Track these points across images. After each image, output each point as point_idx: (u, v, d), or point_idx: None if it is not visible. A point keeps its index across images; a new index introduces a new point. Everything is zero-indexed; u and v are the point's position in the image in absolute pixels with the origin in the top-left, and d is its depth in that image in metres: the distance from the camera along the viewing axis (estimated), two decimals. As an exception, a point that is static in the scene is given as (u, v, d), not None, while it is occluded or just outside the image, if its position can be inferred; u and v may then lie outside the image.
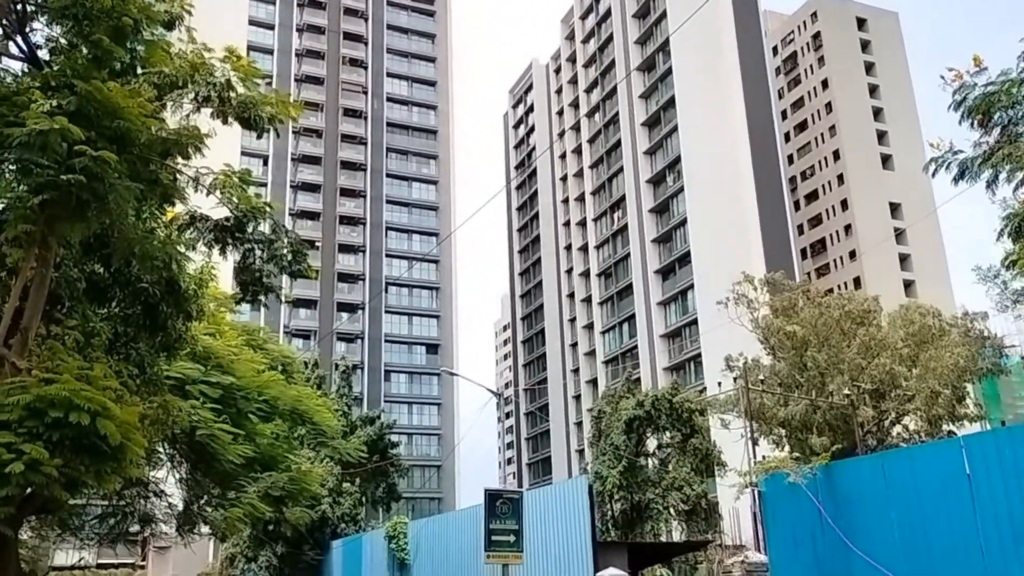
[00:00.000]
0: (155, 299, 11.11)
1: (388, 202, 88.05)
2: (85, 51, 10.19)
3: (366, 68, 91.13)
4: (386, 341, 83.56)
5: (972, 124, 10.32)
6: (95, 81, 9.38)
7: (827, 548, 13.48)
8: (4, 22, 10.13)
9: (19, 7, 10.60)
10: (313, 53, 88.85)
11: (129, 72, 10.96)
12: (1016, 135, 10.66)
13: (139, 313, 11.40)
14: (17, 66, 11.33)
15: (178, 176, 10.58)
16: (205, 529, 19.02)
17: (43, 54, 11.13)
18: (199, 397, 14.54)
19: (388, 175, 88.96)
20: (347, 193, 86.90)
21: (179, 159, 10.47)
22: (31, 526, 18.42)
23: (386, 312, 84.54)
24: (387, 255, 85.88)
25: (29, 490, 9.22)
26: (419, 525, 27.15)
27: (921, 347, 35.08)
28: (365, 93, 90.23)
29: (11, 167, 9.76)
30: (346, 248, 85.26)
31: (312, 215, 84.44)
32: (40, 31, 11.28)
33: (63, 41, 10.78)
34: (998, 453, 11.05)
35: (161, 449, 15.59)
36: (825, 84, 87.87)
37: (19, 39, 10.97)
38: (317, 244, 79.91)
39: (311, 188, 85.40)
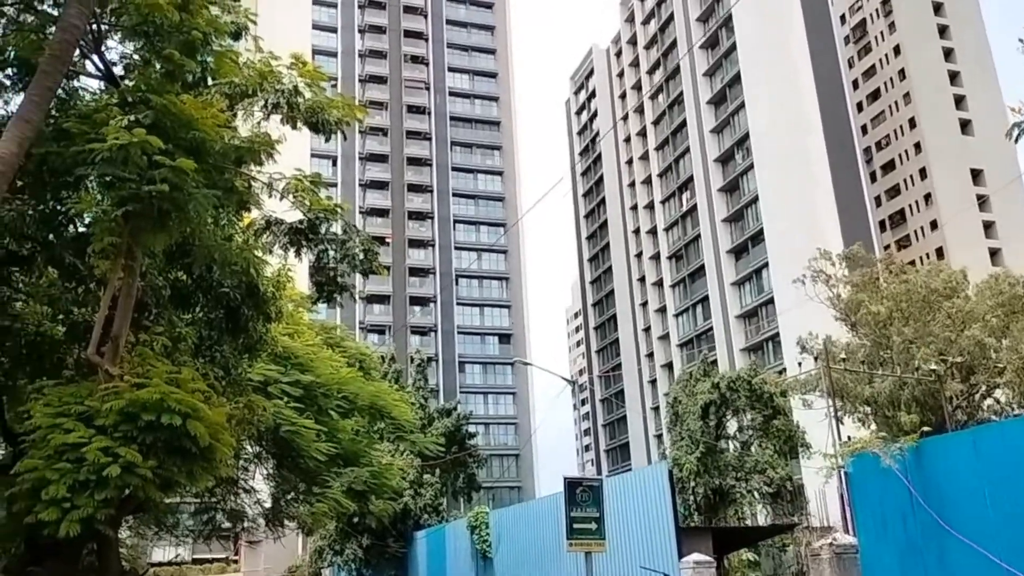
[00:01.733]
0: (236, 303, 11.44)
1: (455, 195, 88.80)
2: (158, 66, 10.53)
3: (427, 64, 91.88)
4: (459, 333, 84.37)
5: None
6: (169, 95, 9.68)
7: (918, 529, 13.10)
8: (81, 42, 10.52)
9: (95, 27, 10.99)
10: (376, 53, 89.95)
11: (200, 84, 11.28)
12: (1108, 92, 10.10)
13: (221, 317, 11.75)
14: (95, 84, 11.78)
15: (252, 182, 10.86)
16: (292, 524, 19.56)
17: (118, 71, 11.54)
18: (281, 396, 14.92)
19: (453, 168, 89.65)
20: (414, 188, 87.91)
21: (252, 166, 10.74)
22: (129, 525, 19.20)
23: (457, 304, 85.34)
24: (456, 248, 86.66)
25: (126, 491, 9.60)
26: (500, 515, 27.35)
27: (1011, 317, 33.70)
28: (428, 89, 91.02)
29: (94, 182, 10.14)
30: (416, 243, 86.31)
31: (381, 212, 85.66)
32: (114, 49, 11.70)
33: (136, 57, 11.15)
34: (1100, 426, 10.56)
35: (248, 447, 16.06)
36: (897, 50, 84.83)
37: (95, 58, 11.39)
38: (387, 240, 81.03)
39: (379, 185, 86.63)
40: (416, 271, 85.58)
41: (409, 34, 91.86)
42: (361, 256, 12.44)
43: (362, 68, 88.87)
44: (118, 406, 9.18)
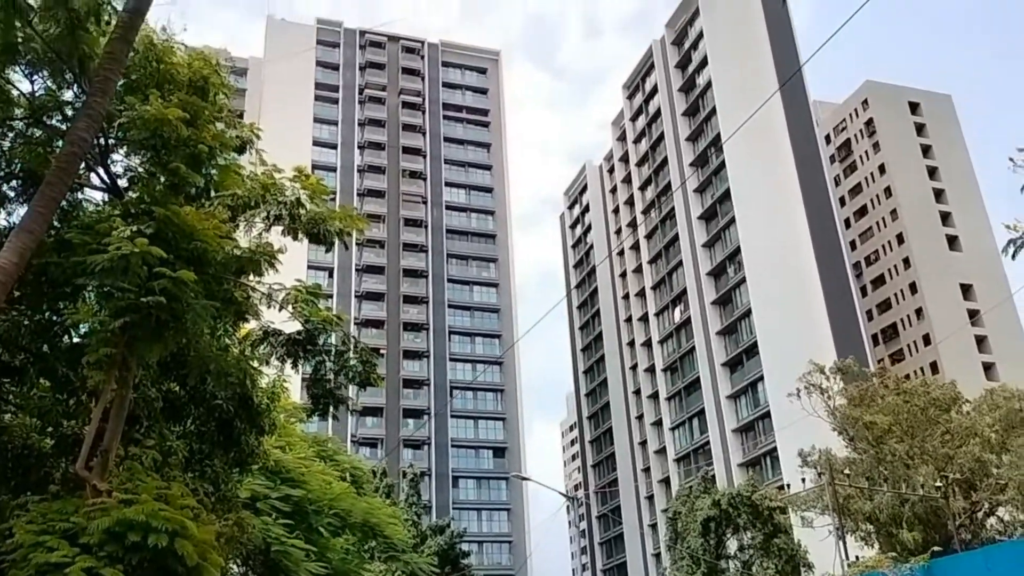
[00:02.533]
0: (229, 415, 11.23)
1: (450, 307, 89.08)
2: (163, 179, 10.67)
3: (425, 179, 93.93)
4: (452, 446, 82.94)
5: (1050, 201, 10.02)
6: (172, 206, 9.77)
7: (935, 657, 12.54)
8: (87, 155, 10.69)
9: (102, 141, 11.20)
10: (374, 168, 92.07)
11: (203, 195, 11.41)
12: (1097, 209, 10.28)
13: (213, 430, 11.51)
14: (99, 196, 11.90)
15: (251, 293, 10.84)
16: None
17: (122, 183, 11.69)
18: (271, 512, 14.46)
19: (449, 280, 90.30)
20: (410, 300, 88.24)
21: (252, 276, 10.74)
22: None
23: (452, 416, 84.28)
24: (451, 359, 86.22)
25: (108, 614, 9.13)
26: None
27: (1010, 432, 33.41)
28: (425, 203, 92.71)
29: (92, 293, 10.11)
30: (410, 354, 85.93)
31: (377, 323, 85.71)
32: (120, 162, 11.88)
33: (141, 170, 11.32)
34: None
35: (235, 568, 15.46)
36: (882, 169, 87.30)
37: (100, 170, 11.56)
38: (382, 352, 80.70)
39: (375, 297, 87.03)
40: (410, 383, 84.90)
41: (407, 151, 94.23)
42: (359, 368, 12.30)
43: (361, 183, 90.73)
44: (104, 524, 8.84)
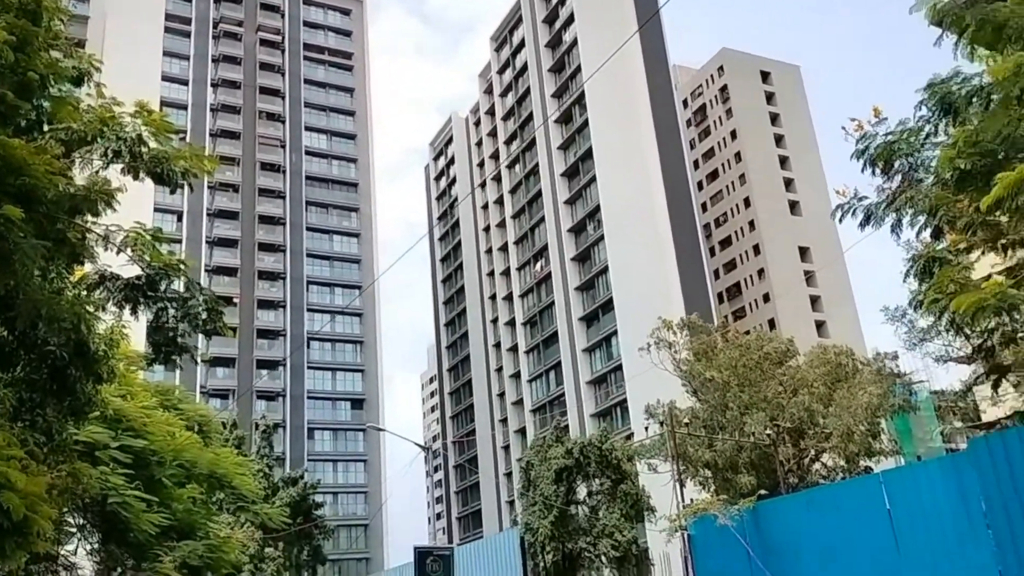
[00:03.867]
0: (63, 362, 10.60)
1: (309, 256, 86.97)
2: (-13, 107, 9.83)
3: (283, 122, 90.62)
4: (309, 398, 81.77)
5: (874, 171, 10.80)
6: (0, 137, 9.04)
7: (757, 589, 13.58)
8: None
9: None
10: (229, 108, 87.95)
11: (35, 128, 10.61)
12: (917, 180, 11.18)
13: (46, 377, 10.84)
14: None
15: (87, 234, 10.22)
16: (118, 604, 18.04)
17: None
18: (109, 463, 13.87)
19: (308, 228, 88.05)
20: (266, 248, 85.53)
21: (88, 216, 10.12)
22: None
23: (308, 368, 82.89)
24: (309, 309, 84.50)
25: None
26: (346, 587, 26.35)
27: (836, 386, 36.13)
28: (283, 147, 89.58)
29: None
30: (266, 304, 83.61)
31: (230, 271, 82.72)
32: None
33: (-37, 98, 10.39)
34: (916, 487, 11.38)
35: (71, 520, 14.78)
36: (734, 135, 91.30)
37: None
38: (235, 300, 78.13)
39: (228, 243, 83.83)
40: (265, 333, 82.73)
41: (265, 91, 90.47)
42: (204, 316, 11.85)
43: (214, 123, 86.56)
44: (-83, 475, 8.27)
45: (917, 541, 11.22)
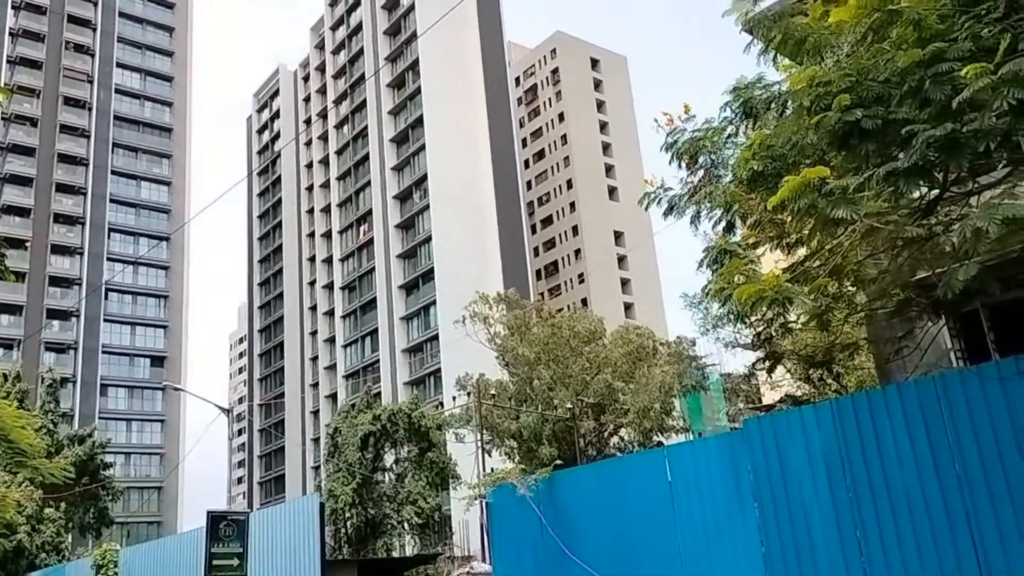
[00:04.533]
0: None
1: (112, 201, 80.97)
2: None
3: (93, 56, 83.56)
4: (104, 352, 76.56)
5: (679, 164, 11.43)
6: None
7: (547, 556, 14.19)
8: None
9: None
10: (31, 34, 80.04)
11: None
12: (716, 176, 11.92)
13: None
14: None
15: None
16: None
17: None
18: None
19: (114, 172, 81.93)
20: (64, 189, 78.85)
21: None
22: None
23: (105, 320, 77.51)
24: (109, 258, 78.76)
25: None
26: (133, 552, 25.12)
27: (636, 365, 38.18)
28: (91, 82, 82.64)
29: None
30: (60, 249, 77.20)
31: (21, 211, 75.75)
32: None
33: None
34: (694, 461, 12.24)
35: None
36: (562, 117, 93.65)
37: None
38: (26, 243, 71.74)
39: (22, 181, 76.62)
40: (58, 281, 76.50)
41: (74, 20, 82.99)
42: (-17, 257, 10.87)
43: (13, 49, 78.51)
44: None
45: (692, 512, 12.08)
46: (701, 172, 12.09)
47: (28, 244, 72.83)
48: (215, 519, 15.32)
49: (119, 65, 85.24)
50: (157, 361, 79.85)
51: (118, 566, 24.27)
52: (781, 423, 10.88)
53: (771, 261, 13.40)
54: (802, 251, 12.19)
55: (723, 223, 10.94)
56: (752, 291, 8.42)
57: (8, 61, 77.02)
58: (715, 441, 13.01)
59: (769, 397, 28.93)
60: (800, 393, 23.66)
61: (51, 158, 78.26)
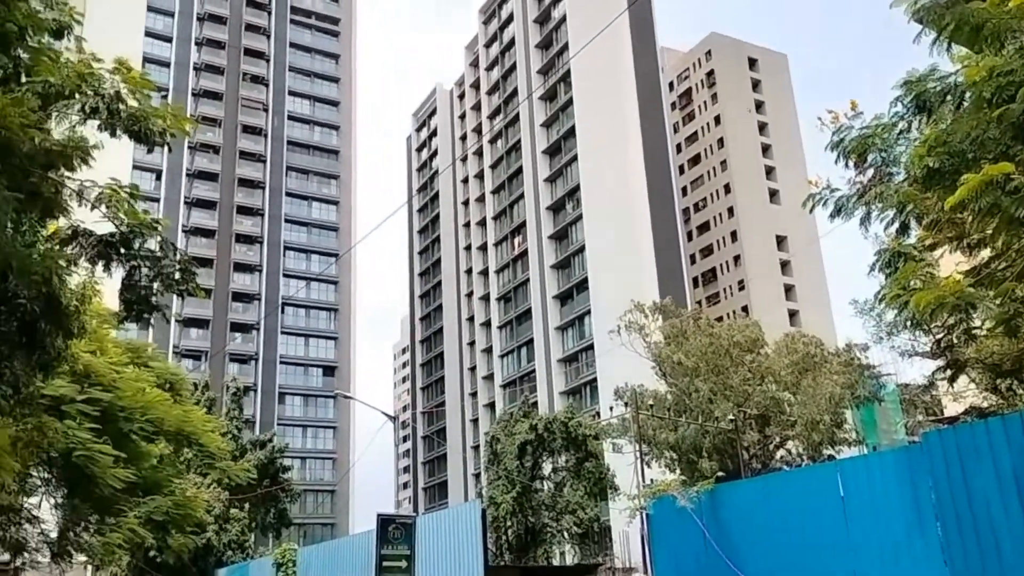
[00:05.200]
0: (33, 316, 10.59)
1: (287, 221, 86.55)
2: (-37, 57, 9.74)
3: (267, 85, 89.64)
4: (281, 363, 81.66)
5: (847, 163, 10.96)
6: (-27, 87, 8.97)
7: (711, 570, 13.88)
8: None
9: None
10: (212, 68, 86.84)
11: (12, 80, 10.51)
12: (887, 175, 11.34)
13: (15, 330, 10.83)
14: None
15: (61, 189, 10.17)
16: (81, 557, 18.13)
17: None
18: (76, 417, 13.88)
19: (287, 194, 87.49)
20: (244, 211, 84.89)
21: (64, 171, 10.07)
22: None
23: (282, 333, 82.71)
24: (284, 275, 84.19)
25: None
26: (309, 552, 26.53)
27: (803, 374, 36.66)
28: (266, 110, 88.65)
29: None
30: (242, 267, 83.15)
31: (207, 232, 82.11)
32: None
33: (-60, 46, 10.27)
34: (868, 477, 11.64)
35: (36, 473, 14.79)
36: (718, 120, 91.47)
37: None
38: (212, 262, 77.64)
39: (207, 205, 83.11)
40: (240, 296, 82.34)
41: (250, 52, 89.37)
42: (178, 276, 11.86)
43: (196, 82, 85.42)
44: None
45: (867, 529, 11.49)
46: (871, 171, 11.54)
47: (213, 263, 78.69)
48: (384, 522, 15.97)
49: (290, 93, 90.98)
50: (328, 371, 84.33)
51: (296, 565, 25.73)
52: (965, 437, 10.18)
53: (951, 264, 12.59)
54: (985, 253, 11.38)
55: (896, 224, 10.40)
56: (931, 297, 7.97)
57: (192, 94, 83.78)
58: (892, 455, 12.34)
59: (952, 409, 27.08)
60: (987, 405, 21.98)
61: (232, 182, 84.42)
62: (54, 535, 16.72)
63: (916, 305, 8.04)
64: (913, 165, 8.69)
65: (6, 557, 18.45)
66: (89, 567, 27.47)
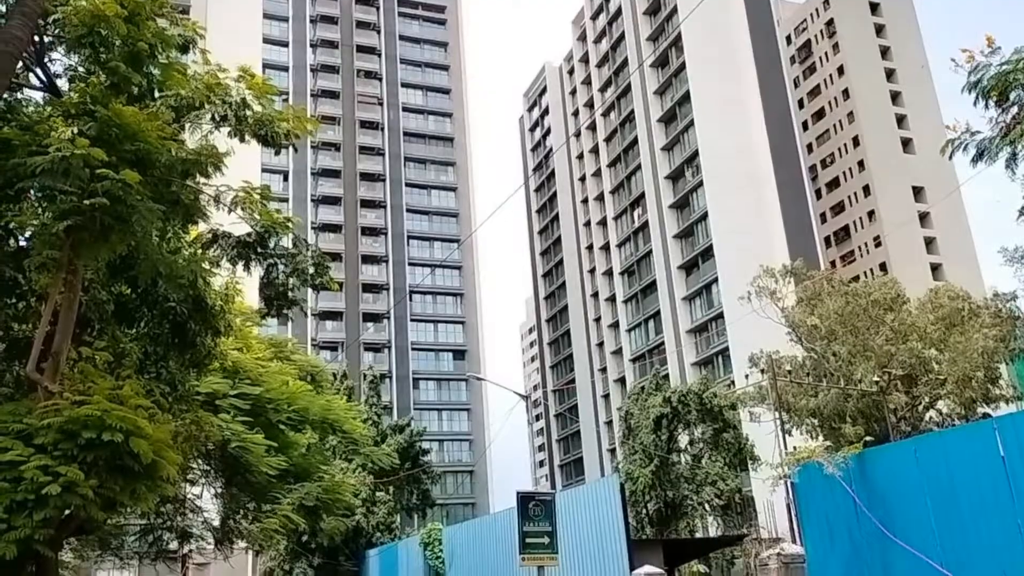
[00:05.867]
0: (183, 317, 11.26)
1: (408, 211, 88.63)
2: (103, 78, 10.38)
3: (380, 79, 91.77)
4: (413, 349, 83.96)
5: (986, 104, 10.22)
6: (114, 106, 9.55)
7: (863, 537, 13.37)
8: (24, 54, 10.35)
9: (38, 39, 10.82)
10: (327, 68, 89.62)
11: (146, 96, 11.14)
12: (1035, 112, 10.53)
13: (167, 331, 11.55)
14: (38, 96, 11.56)
15: (199, 195, 10.74)
16: (242, 543, 19.25)
17: (62, 83, 11.34)
18: (229, 411, 14.69)
19: (407, 184, 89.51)
20: (367, 204, 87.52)
21: (200, 178, 10.62)
22: (71, 547, 18.70)
23: (411, 320, 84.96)
24: (410, 264, 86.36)
25: (67, 512, 9.37)
26: (453, 531, 27.23)
27: (951, 330, 34.72)
28: (381, 104, 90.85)
29: (35, 194, 9.96)
30: (369, 259, 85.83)
31: (334, 228, 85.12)
32: (58, 60, 11.51)
33: (81, 69, 10.98)
34: (1032, 433, 10.90)
35: (196, 465, 15.78)
36: (841, 71, 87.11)
37: (39, 70, 11.20)
38: (340, 256, 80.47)
39: (332, 201, 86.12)
40: (369, 287, 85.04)
41: (361, 49, 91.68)
42: (312, 270, 12.36)
43: (314, 83, 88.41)
44: (57, 423, 8.95)
45: (1035, 490, 10.78)
46: (1014, 109, 10.73)
47: (342, 256, 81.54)
48: (524, 499, 16.14)
49: (403, 85, 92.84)
50: (459, 355, 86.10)
51: (442, 544, 26.48)
52: None
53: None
54: None
55: (1048, 163, 9.62)
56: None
57: (311, 95, 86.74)
58: (1057, 410, 11.50)
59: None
60: None
61: (354, 177, 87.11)
62: (216, 523, 17.81)
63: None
64: (1065, 97, 8.00)
65: (175, 544, 19.80)
66: (250, 552, 29.13)
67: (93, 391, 9.41)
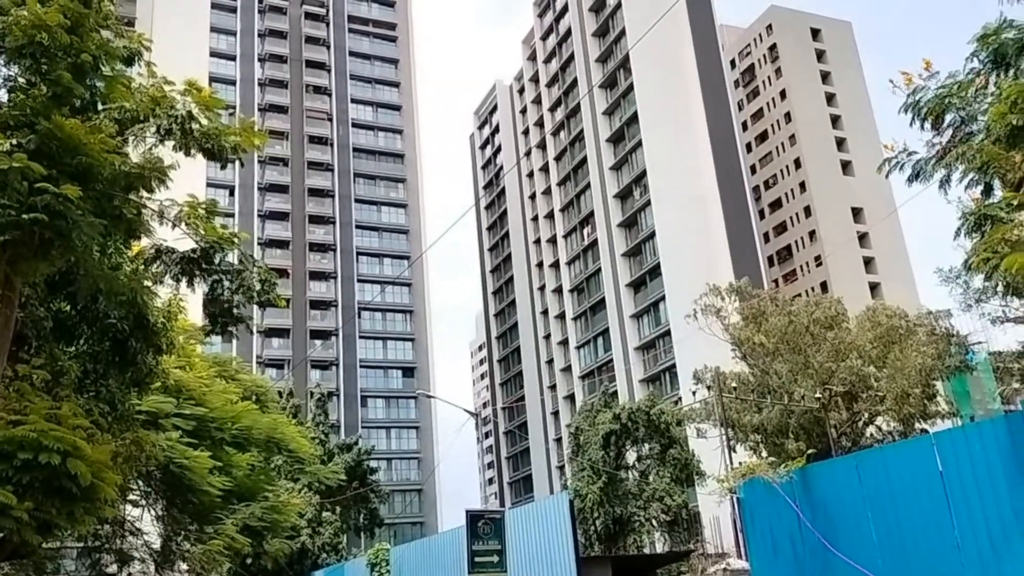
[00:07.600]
0: (124, 335, 11.02)
1: (358, 227, 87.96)
2: (44, 89, 10.15)
3: (330, 95, 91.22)
4: (361, 367, 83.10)
5: (922, 125, 10.58)
6: (56, 118, 9.34)
7: (807, 551, 13.59)
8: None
9: (-25, 48, 10.54)
10: (276, 82, 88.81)
11: (90, 108, 10.93)
12: (967, 135, 10.92)
13: (108, 349, 11.28)
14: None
15: (142, 210, 10.54)
16: (184, 566, 18.79)
17: (1, 94, 11.06)
18: (172, 430, 14.39)
19: (356, 200, 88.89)
20: (316, 220, 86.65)
21: (143, 192, 10.43)
22: (3, 573, 18.06)
23: (360, 337, 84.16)
24: (359, 280, 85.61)
25: (0, 536, 9.07)
26: (401, 551, 26.96)
27: (889, 348, 35.57)
28: (330, 120, 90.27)
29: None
30: (317, 275, 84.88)
31: (281, 243, 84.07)
32: (-3, 71, 11.22)
33: (22, 80, 10.73)
34: (968, 449, 11.22)
35: (136, 486, 15.39)
36: (783, 94, 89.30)
37: (-24, 80, 10.90)
38: (287, 272, 79.46)
39: (279, 216, 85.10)
40: (317, 304, 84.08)
41: (311, 64, 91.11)
42: (258, 287, 12.17)
43: (262, 97, 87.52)
44: (-8, 443, 8.69)
45: (971, 504, 11.09)
46: (949, 131, 11.11)
47: (290, 273, 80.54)
48: (474, 518, 16.12)
49: (353, 101, 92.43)
50: (408, 372, 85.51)
51: (389, 564, 26.16)
52: (1070, 402, 9.73)
53: (1042, 223, 12.02)
54: (1080, 208, 10.83)
55: (980, 186, 9.99)
56: (1023, 259, 7.63)
57: (259, 109, 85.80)
58: (991, 426, 11.87)
59: (1051, 375, 25.88)
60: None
61: (303, 192, 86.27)
62: (157, 546, 17.36)
63: (1008, 268, 7.71)
64: (994, 123, 8.33)
65: (114, 568, 19.24)
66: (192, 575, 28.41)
67: (30, 411, 9.15)
